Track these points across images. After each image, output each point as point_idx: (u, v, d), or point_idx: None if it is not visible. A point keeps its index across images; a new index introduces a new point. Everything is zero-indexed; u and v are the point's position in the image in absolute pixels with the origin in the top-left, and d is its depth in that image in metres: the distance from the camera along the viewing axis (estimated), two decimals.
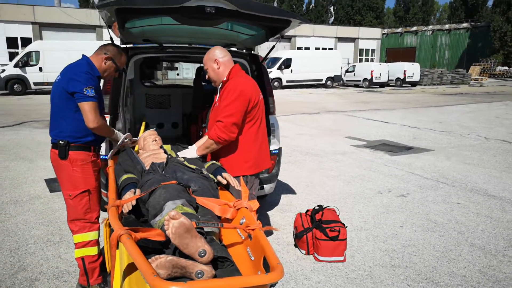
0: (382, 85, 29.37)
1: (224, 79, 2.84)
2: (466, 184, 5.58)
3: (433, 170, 6.32)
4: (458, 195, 5.14)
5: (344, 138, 9.07)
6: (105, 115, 2.94)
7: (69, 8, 30.92)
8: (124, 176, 2.44)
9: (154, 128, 3.59)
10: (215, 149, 2.78)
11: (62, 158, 2.72)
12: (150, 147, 2.98)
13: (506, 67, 41.04)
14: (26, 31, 27.50)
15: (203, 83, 5.41)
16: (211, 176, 2.52)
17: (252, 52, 4.29)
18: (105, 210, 2.43)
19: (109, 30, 3.23)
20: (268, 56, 4.22)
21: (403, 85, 30.48)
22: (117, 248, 1.75)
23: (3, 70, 18.73)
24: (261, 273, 1.59)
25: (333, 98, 19.93)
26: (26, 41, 25.58)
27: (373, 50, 42.20)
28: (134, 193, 2.21)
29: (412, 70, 30.19)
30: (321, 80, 27.79)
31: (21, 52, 20.01)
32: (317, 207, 3.71)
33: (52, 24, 27.71)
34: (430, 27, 48.89)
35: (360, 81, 29.31)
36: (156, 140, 3.05)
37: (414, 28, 48.83)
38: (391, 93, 23.79)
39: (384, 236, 3.89)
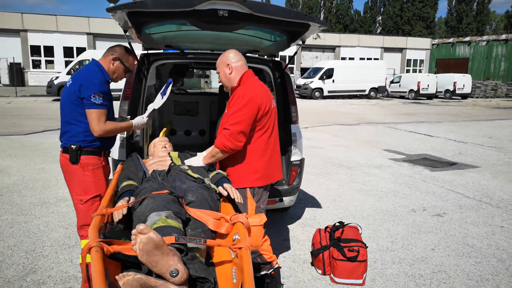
0: (430, 97, 28.09)
1: (235, 85, 2.71)
2: None
3: (476, 189, 5.80)
4: (503, 217, 4.65)
5: (382, 151, 8.64)
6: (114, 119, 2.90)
7: None
8: (124, 183, 2.37)
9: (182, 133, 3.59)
10: (221, 158, 2.64)
11: (73, 163, 2.72)
12: (159, 154, 2.91)
13: None
14: (81, 41, 29.23)
15: None
16: (214, 186, 2.37)
17: (275, 58, 4.15)
18: None
19: (126, 34, 3.22)
20: (296, 65, 4.06)
21: (453, 97, 28.99)
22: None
23: (57, 77, 19.80)
24: None
25: (376, 109, 19.26)
26: (81, 51, 26.99)
27: (421, 61, 40.61)
28: (128, 201, 2.11)
29: (463, 81, 28.63)
30: (364, 90, 26.99)
31: (74, 60, 21.09)
32: (337, 224, 3.46)
33: (105, 34, 29.13)
34: (485, 37, 46.24)
35: (406, 92, 28.20)
36: (165, 147, 2.97)
37: (468, 38, 46.35)
38: (438, 105, 22.66)
39: (412, 259, 3.55)
